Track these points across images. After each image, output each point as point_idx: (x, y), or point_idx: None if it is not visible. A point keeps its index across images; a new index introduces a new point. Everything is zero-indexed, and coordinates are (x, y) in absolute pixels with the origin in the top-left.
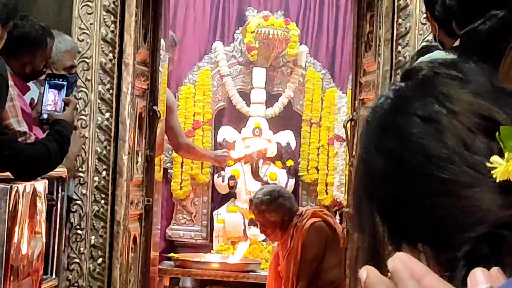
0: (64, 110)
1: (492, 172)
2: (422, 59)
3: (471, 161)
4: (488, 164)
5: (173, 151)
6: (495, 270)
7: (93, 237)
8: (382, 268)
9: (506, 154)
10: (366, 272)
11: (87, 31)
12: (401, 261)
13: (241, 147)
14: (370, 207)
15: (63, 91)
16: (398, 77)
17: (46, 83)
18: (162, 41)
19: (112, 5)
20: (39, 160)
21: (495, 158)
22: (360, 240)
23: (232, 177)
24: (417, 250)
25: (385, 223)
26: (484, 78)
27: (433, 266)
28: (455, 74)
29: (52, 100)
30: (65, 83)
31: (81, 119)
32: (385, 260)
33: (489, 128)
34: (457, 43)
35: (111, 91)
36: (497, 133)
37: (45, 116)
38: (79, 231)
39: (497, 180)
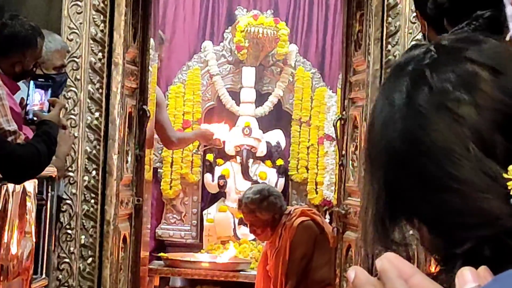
0: (49, 110)
1: (508, 184)
2: None
3: (487, 165)
4: (505, 175)
5: (165, 147)
6: (483, 269)
7: (83, 236)
8: (384, 237)
9: None
10: (355, 272)
11: (76, 31)
12: (389, 261)
13: (231, 146)
14: (378, 178)
15: (49, 92)
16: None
17: (32, 83)
18: (151, 40)
19: (102, 5)
20: (29, 161)
21: None
22: (367, 203)
23: (222, 177)
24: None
25: (389, 197)
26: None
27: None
28: (488, 64)
29: (38, 100)
30: (51, 83)
31: (71, 118)
32: (387, 227)
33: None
34: None
35: (100, 90)
36: None
37: (31, 116)
38: (69, 231)
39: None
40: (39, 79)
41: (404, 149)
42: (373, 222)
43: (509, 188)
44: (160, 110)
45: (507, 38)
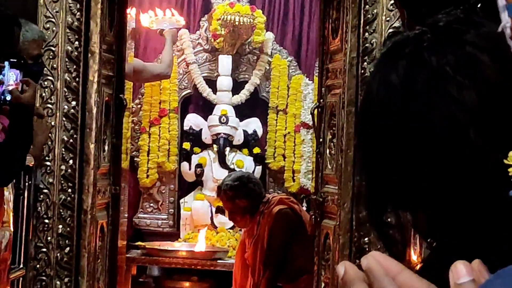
0: (22, 91)
1: (509, 170)
2: None
3: (487, 151)
4: (505, 161)
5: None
6: (477, 263)
7: (60, 226)
8: (378, 213)
9: None
10: (344, 268)
11: (52, 19)
12: (374, 260)
13: (208, 134)
14: (374, 160)
15: (23, 73)
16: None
17: (7, 63)
18: (128, 29)
19: None
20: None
21: None
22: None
23: (199, 165)
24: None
25: (385, 180)
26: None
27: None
28: (487, 46)
29: (13, 80)
30: (24, 63)
31: (48, 107)
32: (383, 205)
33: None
34: None
35: (77, 79)
36: None
37: (7, 96)
38: (46, 220)
39: None
40: (13, 59)
41: (402, 131)
42: (368, 206)
43: (510, 174)
44: (144, 71)
45: (499, 29)
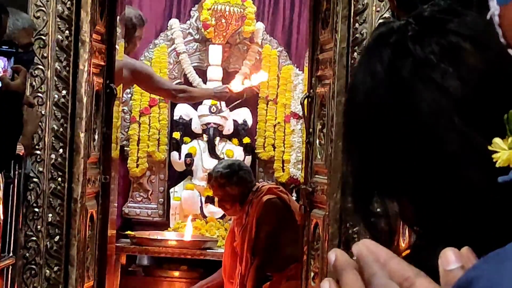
0: (13, 78)
1: (493, 156)
2: None
3: (472, 137)
4: (490, 147)
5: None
6: (466, 249)
7: (50, 215)
8: (364, 202)
9: (509, 139)
10: (335, 254)
11: (43, 8)
12: (365, 247)
13: (198, 124)
14: (359, 150)
15: (12, 59)
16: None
17: None
18: (118, 18)
19: None
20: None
21: (497, 141)
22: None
23: (188, 155)
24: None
25: (370, 169)
26: (496, 46)
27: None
28: (469, 34)
29: (1, 67)
30: (14, 50)
31: (38, 96)
32: (369, 194)
33: (497, 103)
34: None
35: (67, 68)
36: (505, 116)
37: None
38: (36, 209)
39: (497, 165)
40: (3, 46)
41: (387, 120)
42: (353, 195)
43: (494, 160)
44: (154, 79)
45: (487, 17)
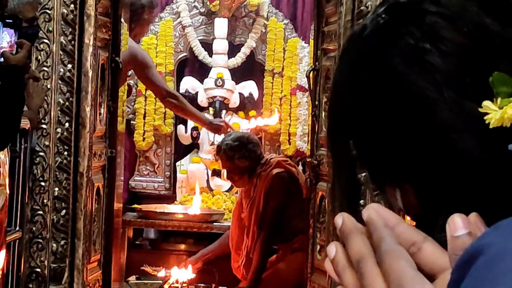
0: (17, 52)
1: (485, 118)
2: None
3: (462, 104)
4: (480, 110)
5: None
6: (474, 216)
7: (56, 189)
8: (357, 209)
9: (498, 101)
10: (342, 218)
11: None
12: (375, 211)
13: (204, 97)
14: (347, 144)
15: (17, 33)
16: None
17: (0, 24)
18: None
19: None
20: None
21: (486, 103)
22: (336, 179)
23: (195, 128)
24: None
25: (365, 162)
26: (473, 17)
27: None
28: (444, 12)
29: (8, 41)
30: (19, 23)
31: (43, 70)
32: (360, 199)
33: (481, 72)
34: None
35: (73, 42)
36: (490, 78)
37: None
38: (42, 183)
39: (491, 127)
40: (7, 20)
41: (375, 105)
42: (343, 192)
43: (487, 122)
44: (150, 70)
45: None
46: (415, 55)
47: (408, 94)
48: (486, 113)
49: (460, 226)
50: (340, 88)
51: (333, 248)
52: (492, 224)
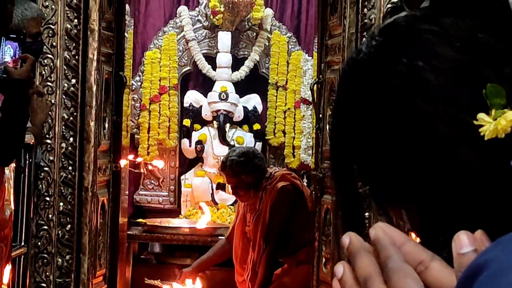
0: (21, 66)
1: (480, 130)
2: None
3: (458, 118)
4: (475, 122)
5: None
6: (479, 233)
7: (61, 203)
8: (362, 232)
9: (492, 112)
10: (349, 238)
11: None
12: (382, 230)
13: (208, 111)
14: (348, 166)
15: (20, 48)
16: (364, 39)
17: (3, 39)
18: (127, 6)
19: None
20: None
21: (481, 116)
22: (338, 201)
23: (199, 142)
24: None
25: (366, 183)
26: (467, 33)
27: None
28: (437, 30)
29: (11, 55)
30: (23, 38)
31: (48, 85)
32: (363, 222)
33: (475, 84)
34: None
35: (77, 57)
36: (483, 90)
37: (2, 73)
38: (47, 198)
39: (486, 138)
40: (11, 35)
41: (375, 127)
42: (346, 212)
43: (482, 134)
44: None
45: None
46: (410, 74)
47: (406, 113)
48: (481, 125)
49: (466, 243)
50: (340, 112)
51: (341, 268)
52: (493, 239)
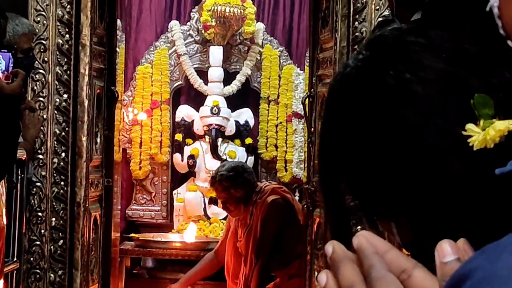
0: (12, 81)
1: (469, 140)
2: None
3: (447, 129)
4: (464, 133)
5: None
6: (462, 242)
7: (53, 219)
8: (349, 244)
9: (481, 122)
10: (332, 247)
11: (43, 13)
12: (365, 238)
13: (200, 125)
14: (336, 181)
15: (11, 63)
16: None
17: None
18: (118, 21)
19: None
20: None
21: (470, 126)
22: (327, 216)
23: (191, 156)
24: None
25: (355, 198)
26: (453, 45)
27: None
28: (423, 41)
29: (1, 70)
30: (14, 52)
31: (39, 100)
32: (352, 235)
33: (463, 95)
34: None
35: (68, 72)
36: (471, 101)
37: None
38: (40, 213)
39: (474, 149)
40: (2, 50)
41: (363, 141)
42: (338, 231)
43: (470, 144)
44: None
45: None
46: (397, 87)
47: (394, 125)
48: (470, 136)
49: (449, 252)
50: (329, 126)
51: (324, 276)
52: (480, 248)
